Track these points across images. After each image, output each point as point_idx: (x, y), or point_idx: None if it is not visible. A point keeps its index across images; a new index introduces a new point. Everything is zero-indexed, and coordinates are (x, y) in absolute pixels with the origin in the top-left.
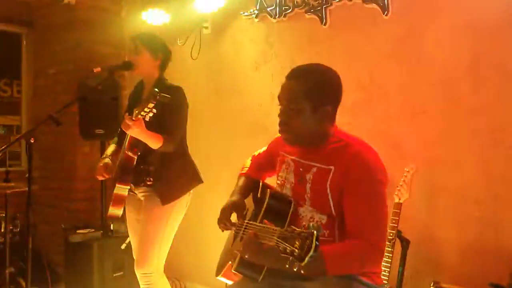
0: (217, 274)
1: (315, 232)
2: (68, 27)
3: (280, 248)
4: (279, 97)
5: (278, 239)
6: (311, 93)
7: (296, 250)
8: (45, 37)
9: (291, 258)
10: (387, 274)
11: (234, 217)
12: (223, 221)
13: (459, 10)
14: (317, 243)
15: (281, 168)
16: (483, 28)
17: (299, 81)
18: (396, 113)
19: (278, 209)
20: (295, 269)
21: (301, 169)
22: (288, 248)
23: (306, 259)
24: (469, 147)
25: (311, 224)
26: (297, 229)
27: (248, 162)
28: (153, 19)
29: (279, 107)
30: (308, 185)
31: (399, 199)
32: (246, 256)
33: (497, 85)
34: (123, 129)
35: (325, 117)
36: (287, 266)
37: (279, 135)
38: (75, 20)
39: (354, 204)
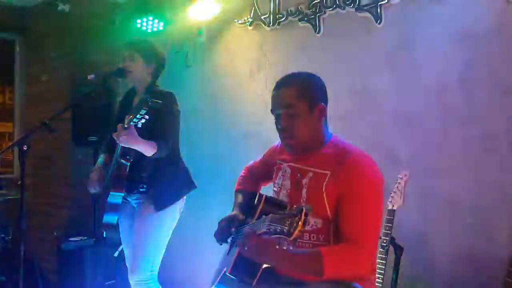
0: (212, 283)
1: (304, 207)
2: (61, 34)
3: (271, 230)
4: (273, 108)
5: (269, 223)
6: (303, 92)
7: (286, 227)
8: (38, 44)
9: (281, 236)
10: (381, 281)
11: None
12: (221, 234)
13: (452, 19)
14: (306, 217)
15: (277, 175)
16: (475, 36)
17: (289, 86)
18: (389, 120)
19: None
20: (284, 247)
21: (298, 175)
22: (279, 227)
23: (295, 233)
24: (462, 154)
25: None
26: (287, 210)
27: (243, 173)
28: (147, 26)
29: (275, 116)
30: (304, 190)
31: (393, 206)
32: (245, 249)
33: (490, 92)
34: (116, 140)
35: (321, 115)
36: (277, 246)
37: (274, 144)
38: (68, 27)
39: (348, 208)
